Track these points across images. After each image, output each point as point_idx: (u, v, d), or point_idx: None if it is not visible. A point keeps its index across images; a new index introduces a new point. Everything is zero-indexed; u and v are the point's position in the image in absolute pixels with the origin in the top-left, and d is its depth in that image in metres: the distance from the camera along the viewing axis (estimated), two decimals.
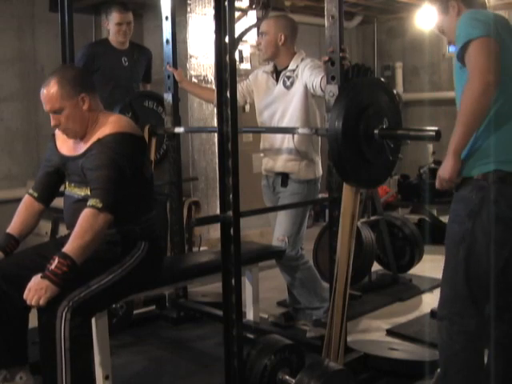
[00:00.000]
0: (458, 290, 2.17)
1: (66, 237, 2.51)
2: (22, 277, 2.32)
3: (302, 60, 3.26)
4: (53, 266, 2.21)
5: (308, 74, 3.15)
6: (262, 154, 3.48)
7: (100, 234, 2.31)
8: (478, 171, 2.13)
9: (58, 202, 2.71)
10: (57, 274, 2.20)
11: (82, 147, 2.50)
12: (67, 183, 2.61)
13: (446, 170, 2.10)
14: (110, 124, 2.48)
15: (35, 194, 2.65)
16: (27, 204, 2.65)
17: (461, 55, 2.09)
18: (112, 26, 4.18)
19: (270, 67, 3.41)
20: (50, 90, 2.43)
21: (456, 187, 2.19)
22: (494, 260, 2.11)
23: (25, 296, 2.21)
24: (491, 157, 2.11)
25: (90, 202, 2.32)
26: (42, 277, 2.21)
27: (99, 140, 2.44)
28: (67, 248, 2.26)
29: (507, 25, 2.22)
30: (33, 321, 2.54)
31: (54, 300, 2.20)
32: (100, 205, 2.30)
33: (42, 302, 2.18)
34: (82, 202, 2.43)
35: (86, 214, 2.31)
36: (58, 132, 2.62)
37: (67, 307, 2.20)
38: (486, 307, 2.18)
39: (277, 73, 3.35)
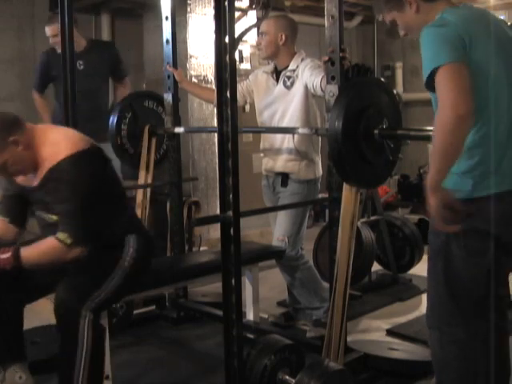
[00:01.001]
0: (442, 299, 2.13)
1: None
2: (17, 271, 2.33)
3: (302, 60, 3.26)
4: (3, 256, 2.27)
5: (308, 74, 3.15)
6: (261, 154, 3.48)
7: (62, 262, 2.32)
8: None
9: None
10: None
11: (36, 177, 2.36)
12: (33, 209, 2.48)
13: (432, 210, 1.94)
14: (60, 146, 2.30)
15: (7, 220, 2.50)
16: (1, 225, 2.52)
17: (429, 83, 1.94)
18: None
19: (270, 67, 3.41)
20: None
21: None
22: (474, 270, 2.05)
23: None
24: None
25: (59, 235, 2.27)
26: None
27: (52, 169, 2.28)
28: (25, 254, 2.30)
29: (479, 26, 2.01)
30: (33, 321, 2.55)
31: (78, 300, 2.25)
32: (69, 241, 2.26)
33: None
34: (54, 226, 2.35)
35: (52, 245, 2.29)
36: None
37: (90, 307, 2.25)
38: (475, 315, 2.11)
39: (277, 73, 3.35)
